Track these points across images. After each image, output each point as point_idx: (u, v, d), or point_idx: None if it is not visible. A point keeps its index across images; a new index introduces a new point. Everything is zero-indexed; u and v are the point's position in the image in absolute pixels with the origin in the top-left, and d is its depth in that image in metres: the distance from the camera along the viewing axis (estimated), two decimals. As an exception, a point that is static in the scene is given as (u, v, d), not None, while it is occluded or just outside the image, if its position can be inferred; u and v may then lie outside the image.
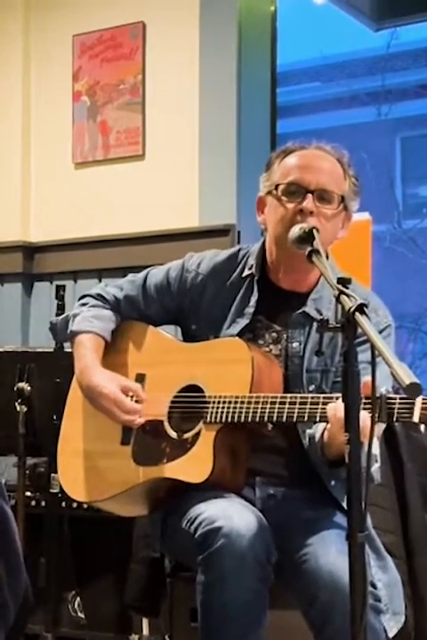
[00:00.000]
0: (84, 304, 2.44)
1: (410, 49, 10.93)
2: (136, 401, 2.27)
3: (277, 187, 2.26)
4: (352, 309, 1.71)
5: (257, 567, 2.03)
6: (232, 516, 2.04)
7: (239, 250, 2.40)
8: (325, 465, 2.15)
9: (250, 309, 2.30)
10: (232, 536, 2.01)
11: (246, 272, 2.34)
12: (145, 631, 3.26)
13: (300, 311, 2.27)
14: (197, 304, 2.35)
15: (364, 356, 1.87)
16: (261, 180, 2.34)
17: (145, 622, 3.26)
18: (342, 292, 1.76)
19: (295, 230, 2.14)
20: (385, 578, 2.18)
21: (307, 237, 2.09)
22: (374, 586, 2.09)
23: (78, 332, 2.36)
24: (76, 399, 2.39)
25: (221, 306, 2.33)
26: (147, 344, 2.38)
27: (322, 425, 2.12)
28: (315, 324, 2.25)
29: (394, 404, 1.91)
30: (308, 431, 2.21)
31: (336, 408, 1.98)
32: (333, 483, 2.22)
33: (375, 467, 2.15)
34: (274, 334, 2.30)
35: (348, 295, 1.75)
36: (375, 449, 2.13)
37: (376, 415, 1.76)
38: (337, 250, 2.37)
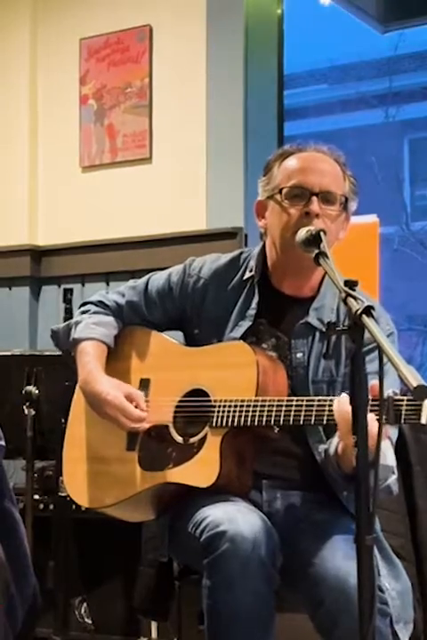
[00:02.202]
0: (85, 311, 2.44)
1: (417, 51, 10.91)
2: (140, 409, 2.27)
3: (280, 190, 2.25)
4: (359, 312, 1.71)
5: (262, 570, 2.03)
6: (237, 519, 2.04)
7: (241, 253, 2.40)
8: (341, 478, 2.14)
9: (252, 311, 2.29)
10: (237, 540, 2.00)
11: (247, 275, 2.34)
12: (154, 634, 3.26)
13: (302, 322, 2.27)
14: (199, 308, 2.35)
15: (371, 365, 1.86)
16: (260, 185, 2.33)
17: (154, 625, 3.26)
18: (348, 295, 1.76)
19: (302, 233, 2.13)
20: (398, 586, 2.16)
21: (314, 240, 2.09)
22: (381, 590, 2.08)
23: (81, 339, 2.36)
24: (80, 405, 2.38)
25: (223, 309, 2.32)
26: (151, 349, 2.38)
27: (337, 439, 2.11)
28: (317, 334, 2.25)
29: (401, 405, 1.90)
30: (322, 446, 2.21)
31: (340, 401, 1.97)
32: (345, 494, 2.20)
33: (393, 479, 2.12)
34: (274, 340, 2.29)
35: (355, 298, 1.75)
36: (392, 461, 2.11)
37: (384, 417, 1.76)
38: (345, 252, 2.37)
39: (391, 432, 2.13)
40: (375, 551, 1.92)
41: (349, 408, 1.71)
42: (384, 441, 1.97)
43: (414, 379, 1.59)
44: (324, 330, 2.23)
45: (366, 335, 1.70)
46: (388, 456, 2.06)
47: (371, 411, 1.73)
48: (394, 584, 2.15)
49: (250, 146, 3.88)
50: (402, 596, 2.15)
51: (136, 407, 2.26)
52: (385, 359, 1.65)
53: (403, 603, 2.14)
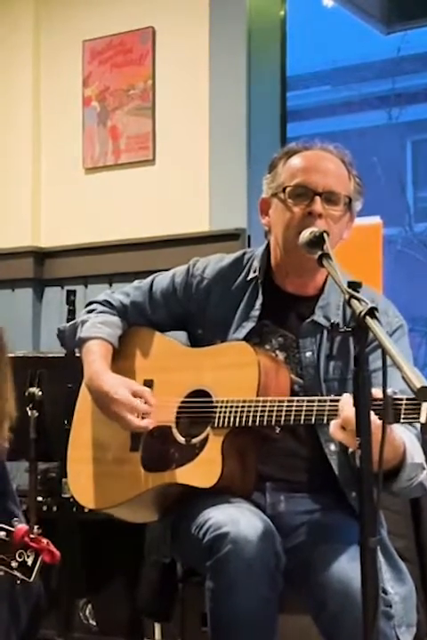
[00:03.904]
0: (91, 310, 2.45)
1: (420, 52, 10.90)
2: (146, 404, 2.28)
3: (284, 189, 2.24)
4: (363, 313, 1.71)
5: (265, 573, 2.02)
6: (239, 521, 2.03)
7: (244, 253, 2.39)
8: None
9: (255, 313, 2.29)
10: (240, 542, 2.00)
11: (251, 275, 2.33)
12: (157, 636, 3.26)
13: (309, 320, 2.26)
14: (202, 309, 2.35)
15: (377, 363, 1.85)
16: (265, 182, 2.32)
17: (157, 627, 3.26)
18: (352, 296, 1.76)
19: (306, 234, 2.12)
20: (401, 590, 2.15)
21: (317, 241, 2.08)
22: (385, 591, 2.08)
23: (87, 338, 2.37)
24: (85, 406, 2.39)
25: (226, 310, 2.32)
26: (154, 350, 2.38)
27: None
28: (325, 332, 2.24)
29: (401, 404, 1.89)
30: (333, 445, 2.18)
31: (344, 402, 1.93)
32: (353, 494, 2.19)
33: (425, 474, 2.05)
34: (280, 339, 2.28)
35: (358, 299, 1.75)
36: (420, 457, 2.04)
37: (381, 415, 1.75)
38: (348, 253, 2.36)
39: (410, 429, 2.10)
40: (379, 554, 1.91)
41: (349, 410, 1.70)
42: (393, 438, 1.94)
43: (418, 380, 1.59)
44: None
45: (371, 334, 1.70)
46: (415, 453, 2.02)
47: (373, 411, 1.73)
48: (398, 588, 2.14)
49: (253, 147, 3.88)
50: (405, 600, 2.14)
51: (142, 401, 2.26)
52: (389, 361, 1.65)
53: (405, 607, 2.13)
